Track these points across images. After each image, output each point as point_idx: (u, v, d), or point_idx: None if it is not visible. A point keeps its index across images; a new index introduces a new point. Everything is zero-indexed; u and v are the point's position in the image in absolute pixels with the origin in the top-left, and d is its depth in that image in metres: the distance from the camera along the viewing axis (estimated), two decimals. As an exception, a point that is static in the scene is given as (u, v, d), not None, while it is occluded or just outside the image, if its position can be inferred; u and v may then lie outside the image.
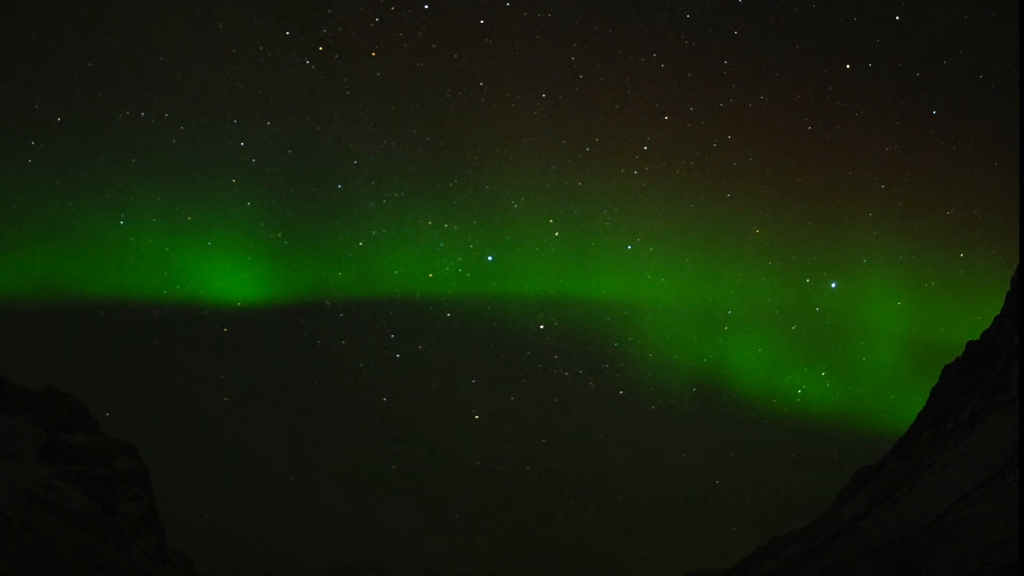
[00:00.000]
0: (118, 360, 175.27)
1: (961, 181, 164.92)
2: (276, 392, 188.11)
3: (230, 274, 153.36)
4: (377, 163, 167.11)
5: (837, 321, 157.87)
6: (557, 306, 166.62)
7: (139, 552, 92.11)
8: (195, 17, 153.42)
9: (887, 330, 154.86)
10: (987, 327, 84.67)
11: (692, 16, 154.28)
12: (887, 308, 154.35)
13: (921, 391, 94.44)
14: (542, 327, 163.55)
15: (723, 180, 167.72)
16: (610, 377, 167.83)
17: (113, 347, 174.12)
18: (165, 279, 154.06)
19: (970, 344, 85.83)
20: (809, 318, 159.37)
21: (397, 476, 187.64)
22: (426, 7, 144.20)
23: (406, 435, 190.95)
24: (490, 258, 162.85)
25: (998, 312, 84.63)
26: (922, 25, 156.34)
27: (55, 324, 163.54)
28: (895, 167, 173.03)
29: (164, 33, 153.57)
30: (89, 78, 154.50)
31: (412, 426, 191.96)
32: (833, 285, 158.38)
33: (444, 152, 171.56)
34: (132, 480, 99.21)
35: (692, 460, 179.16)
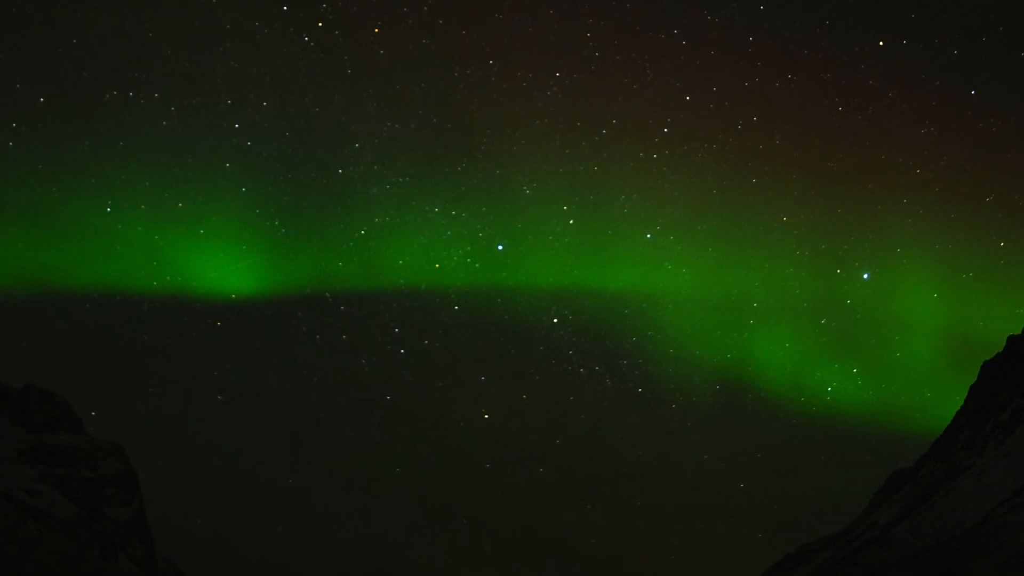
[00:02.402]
0: (104, 356, 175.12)
1: (1001, 165, 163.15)
2: (273, 390, 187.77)
3: (224, 264, 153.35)
4: (380, 146, 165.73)
5: (869, 314, 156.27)
6: (572, 298, 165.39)
7: (127, 560, 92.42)
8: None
9: (922, 324, 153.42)
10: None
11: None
12: (922, 300, 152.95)
13: (959, 388, 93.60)
14: (555, 320, 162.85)
15: (748, 164, 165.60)
16: (628, 374, 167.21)
17: (99, 342, 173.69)
18: (154, 269, 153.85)
19: (1011, 338, 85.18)
20: (840, 311, 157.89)
21: (401, 479, 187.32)
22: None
23: (410, 435, 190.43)
24: (500, 247, 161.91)
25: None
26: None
27: (37, 317, 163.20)
28: (931, 150, 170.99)
29: (153, 8, 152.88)
30: (73, 56, 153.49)
31: (417, 426, 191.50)
32: (865, 276, 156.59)
33: (451, 135, 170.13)
34: (120, 483, 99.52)
35: (715, 462, 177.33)
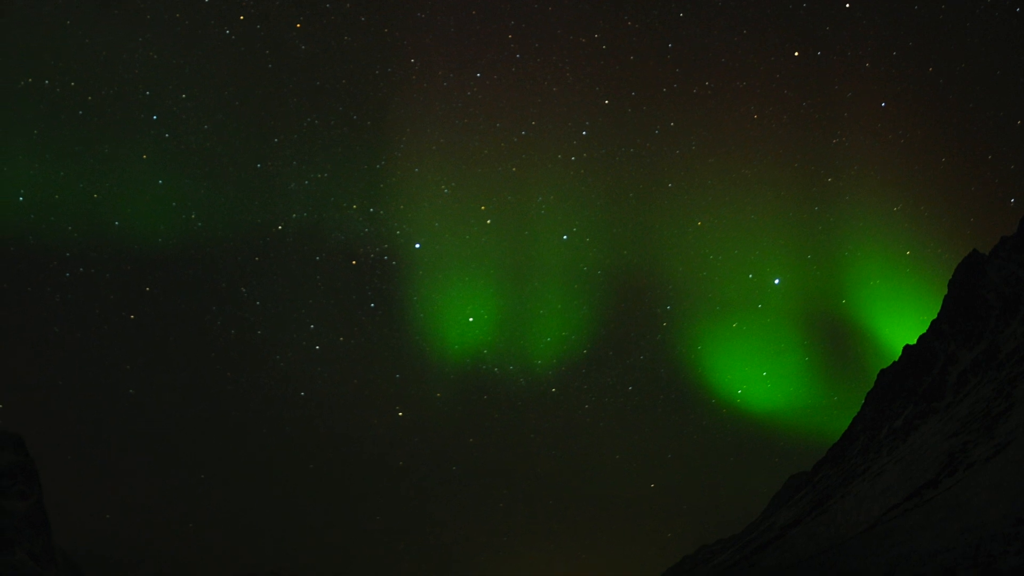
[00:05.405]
0: (7, 345, 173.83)
1: (912, 173, 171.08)
2: (185, 384, 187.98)
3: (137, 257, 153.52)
4: (299, 142, 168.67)
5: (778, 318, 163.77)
6: (488, 298, 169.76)
7: (23, 554, 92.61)
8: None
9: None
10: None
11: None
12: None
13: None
14: (471, 320, 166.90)
15: (665, 169, 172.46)
16: (542, 375, 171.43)
17: (3, 333, 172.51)
18: (67, 260, 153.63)
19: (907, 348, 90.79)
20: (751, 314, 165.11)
21: (315, 473, 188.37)
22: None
23: (330, 433, 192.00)
24: (418, 246, 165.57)
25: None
26: None
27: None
28: (843, 159, 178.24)
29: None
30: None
31: (333, 424, 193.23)
32: (776, 281, 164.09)
33: (371, 132, 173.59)
34: (17, 475, 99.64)
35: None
